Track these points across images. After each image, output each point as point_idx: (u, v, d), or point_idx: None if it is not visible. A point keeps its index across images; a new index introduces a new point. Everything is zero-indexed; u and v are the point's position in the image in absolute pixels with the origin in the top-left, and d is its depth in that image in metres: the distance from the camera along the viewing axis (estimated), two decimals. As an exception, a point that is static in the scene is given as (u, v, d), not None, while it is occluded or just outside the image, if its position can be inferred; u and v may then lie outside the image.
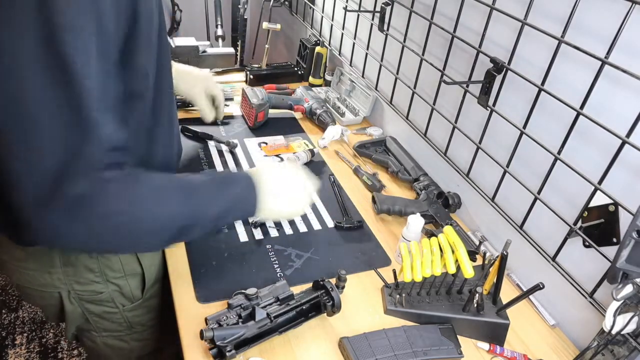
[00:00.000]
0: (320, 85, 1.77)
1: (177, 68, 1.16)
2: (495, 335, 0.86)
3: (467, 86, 1.06)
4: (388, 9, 1.33)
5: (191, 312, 0.84)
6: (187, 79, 1.18)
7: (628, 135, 0.72)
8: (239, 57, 2.09)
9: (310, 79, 1.79)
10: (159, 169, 0.78)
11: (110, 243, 0.65)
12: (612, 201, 0.77)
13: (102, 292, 0.87)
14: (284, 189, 0.84)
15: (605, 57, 0.74)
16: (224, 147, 1.32)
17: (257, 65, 1.79)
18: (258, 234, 1.04)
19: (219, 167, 1.25)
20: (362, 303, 0.91)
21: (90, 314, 0.90)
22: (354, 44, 1.61)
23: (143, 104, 0.70)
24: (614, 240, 0.78)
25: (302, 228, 1.08)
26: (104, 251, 0.80)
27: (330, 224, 1.10)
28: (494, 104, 1.00)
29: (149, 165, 0.76)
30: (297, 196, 0.87)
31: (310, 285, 0.87)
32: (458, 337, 0.85)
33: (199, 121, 1.32)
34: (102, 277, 0.85)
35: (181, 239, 0.71)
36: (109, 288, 0.87)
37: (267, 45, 1.84)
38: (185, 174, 0.74)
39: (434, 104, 1.21)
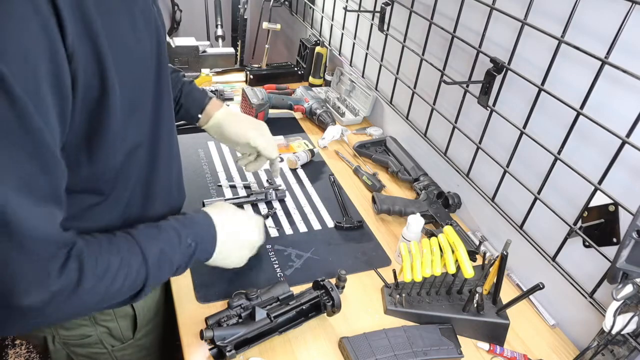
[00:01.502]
0: (320, 85, 1.77)
1: (229, 112, 0.99)
2: (495, 335, 0.86)
3: (467, 86, 1.06)
4: (388, 9, 1.33)
5: (191, 312, 0.84)
6: (239, 123, 0.98)
7: (628, 135, 0.72)
8: (239, 57, 2.10)
9: (310, 79, 1.79)
10: (157, 217, 0.75)
11: (77, 316, 0.68)
12: (612, 201, 0.77)
13: (91, 335, 0.82)
14: (237, 234, 0.80)
15: (605, 57, 0.74)
16: (224, 145, 1.32)
17: (257, 65, 1.79)
18: (258, 234, 1.04)
19: (219, 166, 1.25)
20: (362, 303, 0.91)
21: (76, 355, 0.86)
22: (354, 44, 1.61)
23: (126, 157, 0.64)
24: (614, 240, 0.78)
25: (302, 228, 1.08)
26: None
27: (330, 224, 1.10)
28: (494, 104, 1.00)
29: (146, 214, 0.73)
30: (246, 242, 0.83)
31: (310, 285, 0.87)
32: (458, 337, 0.85)
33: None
34: (90, 320, 0.80)
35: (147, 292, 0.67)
36: (98, 330, 0.82)
37: (267, 45, 1.84)
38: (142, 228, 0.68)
39: (434, 104, 1.21)
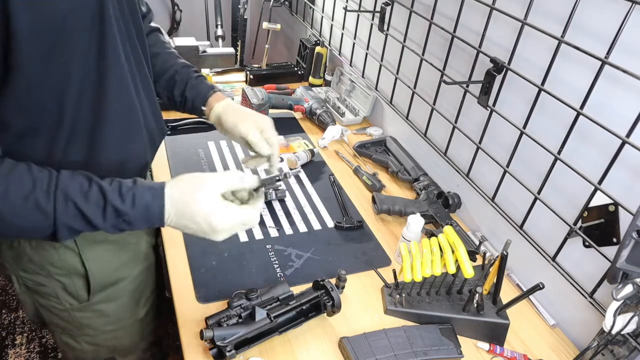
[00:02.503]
0: (320, 85, 1.77)
1: (230, 104, 0.95)
2: (495, 335, 0.86)
3: (467, 86, 1.06)
4: (388, 9, 1.33)
5: (191, 312, 0.84)
6: (237, 114, 0.93)
7: (628, 135, 0.72)
8: (239, 57, 2.10)
9: (310, 79, 1.79)
10: (110, 169, 0.73)
11: None
12: (612, 201, 0.77)
13: (46, 285, 0.84)
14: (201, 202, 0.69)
15: (605, 57, 0.74)
16: (224, 145, 1.32)
17: (257, 65, 1.79)
18: (258, 234, 1.04)
19: (219, 166, 1.25)
20: (362, 303, 0.91)
21: (40, 306, 0.88)
22: (354, 44, 1.61)
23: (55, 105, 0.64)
24: (614, 240, 0.78)
25: (302, 228, 1.08)
26: None
27: (330, 224, 1.10)
28: (494, 104, 1.00)
29: (96, 165, 0.72)
30: (218, 216, 0.69)
31: (310, 285, 0.87)
32: (458, 337, 0.85)
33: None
34: (44, 270, 0.82)
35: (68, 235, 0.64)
36: (52, 284, 0.84)
37: (267, 45, 1.84)
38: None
39: (434, 104, 1.21)
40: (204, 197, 0.68)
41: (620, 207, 0.76)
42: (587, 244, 0.83)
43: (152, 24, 1.04)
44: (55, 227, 0.63)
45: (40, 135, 0.67)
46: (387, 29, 1.37)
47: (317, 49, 1.72)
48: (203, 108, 0.96)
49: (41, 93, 0.63)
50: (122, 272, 0.92)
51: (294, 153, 1.31)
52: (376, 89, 1.52)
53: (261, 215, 1.07)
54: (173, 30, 2.47)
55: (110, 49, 0.67)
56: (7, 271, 0.84)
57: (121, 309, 0.95)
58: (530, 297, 0.96)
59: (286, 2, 2.10)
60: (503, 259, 0.82)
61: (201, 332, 0.72)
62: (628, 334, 0.74)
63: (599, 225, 0.80)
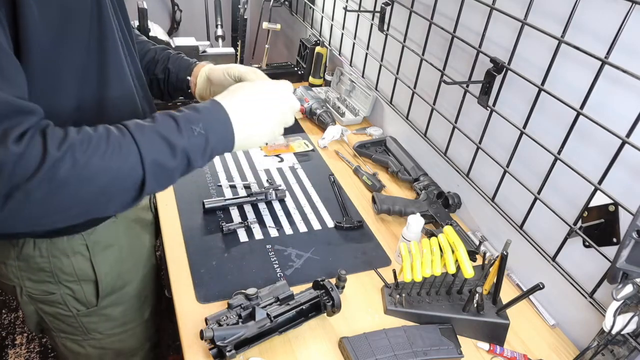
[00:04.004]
0: (320, 85, 1.77)
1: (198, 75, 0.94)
2: (495, 335, 0.86)
3: (467, 86, 1.06)
4: (388, 9, 1.33)
5: (191, 312, 0.84)
6: (201, 84, 0.94)
7: (628, 135, 0.72)
8: (239, 57, 2.10)
9: (310, 79, 1.79)
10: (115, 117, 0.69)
11: (70, 213, 0.57)
12: (612, 201, 0.77)
13: (54, 293, 0.84)
14: (259, 115, 0.71)
15: (605, 57, 0.74)
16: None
17: (257, 65, 1.80)
18: (258, 233, 1.04)
19: (219, 166, 1.25)
20: (362, 303, 0.91)
21: (44, 313, 0.88)
22: (354, 44, 1.61)
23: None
24: (614, 240, 0.78)
25: (302, 228, 1.08)
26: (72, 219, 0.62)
27: (330, 224, 1.10)
28: (494, 104, 1.00)
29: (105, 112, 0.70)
30: (272, 120, 0.74)
31: (310, 285, 0.87)
32: (458, 337, 0.85)
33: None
34: (54, 277, 0.82)
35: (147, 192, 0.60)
36: (61, 290, 0.84)
37: (267, 45, 1.84)
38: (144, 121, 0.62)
39: (434, 104, 1.21)
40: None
41: (620, 207, 0.76)
42: (587, 244, 0.83)
43: None
44: (143, 165, 0.57)
45: None
46: (387, 29, 1.37)
47: (317, 49, 1.72)
48: (189, 78, 0.94)
49: (44, 82, 0.61)
50: (128, 276, 0.93)
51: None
52: (376, 89, 1.52)
53: (261, 215, 1.09)
54: (173, 30, 2.47)
55: (109, 32, 0.66)
56: (10, 283, 0.84)
57: (127, 311, 0.96)
58: (530, 297, 0.96)
59: (286, 2, 2.10)
60: (503, 259, 0.82)
61: (201, 332, 0.72)
62: (628, 334, 0.74)
63: (599, 225, 0.80)
